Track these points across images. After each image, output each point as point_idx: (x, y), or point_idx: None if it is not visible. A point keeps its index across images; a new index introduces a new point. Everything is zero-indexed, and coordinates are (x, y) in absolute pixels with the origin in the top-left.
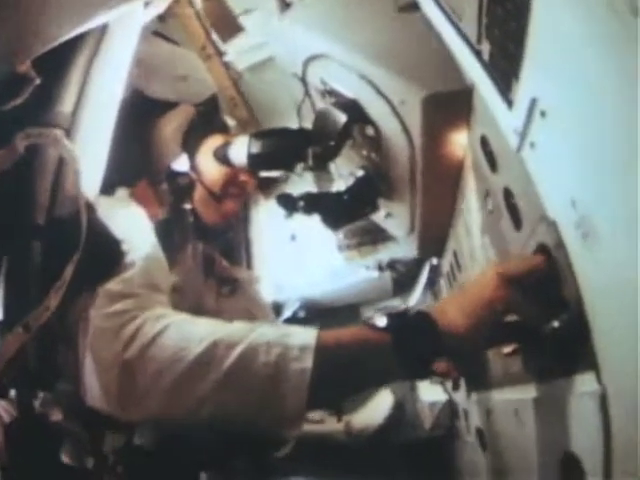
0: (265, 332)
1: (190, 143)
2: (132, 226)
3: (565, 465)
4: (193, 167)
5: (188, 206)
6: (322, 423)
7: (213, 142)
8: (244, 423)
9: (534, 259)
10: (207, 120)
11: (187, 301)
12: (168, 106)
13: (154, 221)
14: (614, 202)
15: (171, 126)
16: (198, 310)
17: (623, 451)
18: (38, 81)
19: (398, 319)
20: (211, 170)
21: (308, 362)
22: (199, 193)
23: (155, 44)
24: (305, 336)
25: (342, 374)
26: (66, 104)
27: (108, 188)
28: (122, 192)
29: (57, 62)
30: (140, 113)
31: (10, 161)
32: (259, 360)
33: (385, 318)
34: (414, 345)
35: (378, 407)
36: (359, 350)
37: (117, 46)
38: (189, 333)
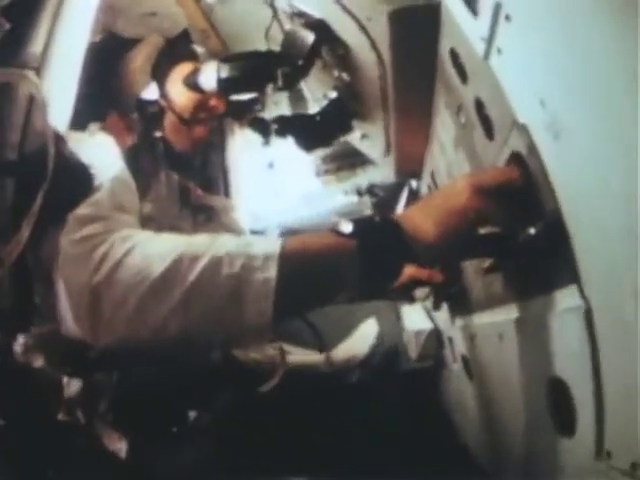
0: (227, 242)
1: (159, 72)
2: (99, 152)
3: (552, 390)
4: (163, 95)
5: (158, 134)
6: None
7: (182, 70)
8: (210, 337)
9: (508, 170)
10: (176, 49)
11: (162, 230)
12: (139, 42)
13: (124, 148)
14: (582, 99)
15: (140, 58)
16: None
17: (612, 371)
18: (8, 27)
19: (364, 225)
20: (181, 96)
21: (272, 271)
22: (169, 120)
23: None
24: (269, 244)
25: (307, 282)
26: (36, 45)
27: (80, 125)
28: (94, 126)
29: (26, 7)
30: (113, 52)
31: None
32: (223, 272)
33: (350, 224)
34: (379, 250)
35: (362, 338)
36: (324, 257)
37: None
38: (153, 250)
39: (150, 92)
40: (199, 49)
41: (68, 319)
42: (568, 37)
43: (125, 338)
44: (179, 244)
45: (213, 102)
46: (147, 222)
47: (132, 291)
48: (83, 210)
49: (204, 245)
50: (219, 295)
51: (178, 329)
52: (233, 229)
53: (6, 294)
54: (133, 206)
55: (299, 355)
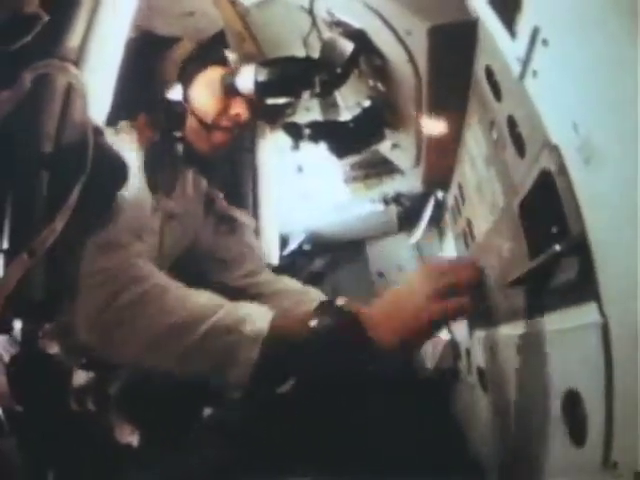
0: (228, 314)
1: (186, 74)
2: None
3: (566, 401)
4: (186, 97)
5: (179, 134)
6: None
7: (209, 74)
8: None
9: (468, 267)
10: (206, 53)
11: (184, 229)
12: (175, 41)
13: (147, 145)
14: (614, 125)
15: (170, 59)
16: (194, 244)
17: (624, 385)
18: (46, 19)
19: (327, 320)
20: (204, 101)
21: (255, 352)
22: (191, 122)
23: None
24: (260, 325)
25: (285, 360)
26: (73, 39)
27: (111, 121)
28: (124, 124)
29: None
30: (149, 51)
31: (16, 100)
32: (218, 342)
33: (316, 320)
34: (341, 350)
35: None
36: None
37: None
38: (163, 303)
39: (175, 93)
40: (230, 55)
41: (81, 329)
42: (602, 65)
43: (132, 363)
44: (186, 303)
45: (236, 110)
46: (169, 219)
47: (142, 330)
48: (103, 236)
49: (210, 311)
50: (212, 357)
51: (178, 370)
52: (252, 248)
53: (36, 284)
54: (149, 232)
55: None
